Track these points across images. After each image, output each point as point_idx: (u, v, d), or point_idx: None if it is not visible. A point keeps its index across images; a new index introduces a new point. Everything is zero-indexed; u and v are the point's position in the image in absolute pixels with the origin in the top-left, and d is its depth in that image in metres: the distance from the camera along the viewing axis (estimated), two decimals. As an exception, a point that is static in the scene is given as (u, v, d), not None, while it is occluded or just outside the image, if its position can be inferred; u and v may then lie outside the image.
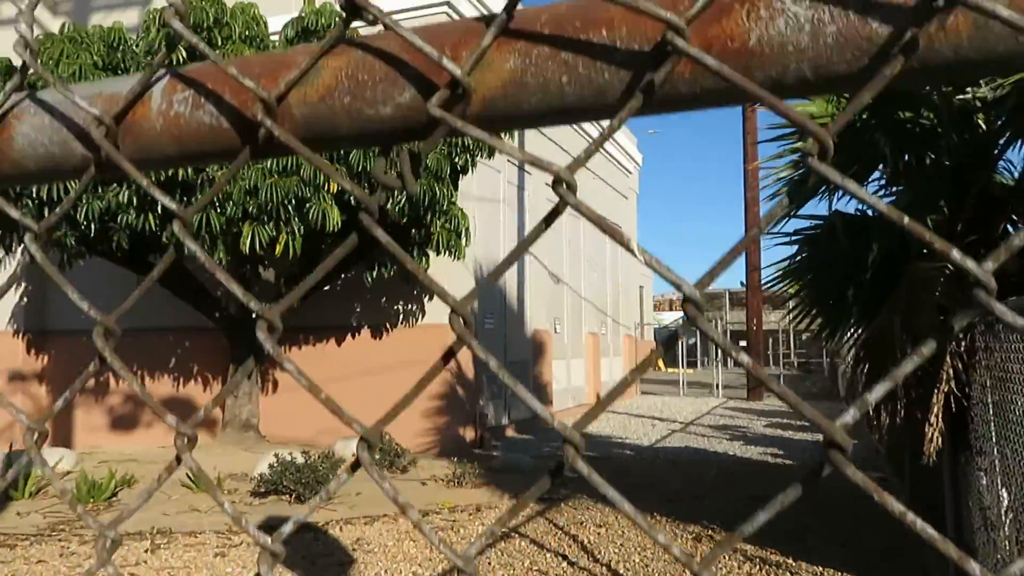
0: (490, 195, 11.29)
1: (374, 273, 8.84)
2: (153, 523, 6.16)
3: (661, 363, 33.27)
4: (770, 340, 27.04)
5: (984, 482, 4.05)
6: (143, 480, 7.84)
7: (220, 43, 7.23)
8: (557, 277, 14.22)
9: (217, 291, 10.09)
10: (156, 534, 5.88)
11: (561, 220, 14.48)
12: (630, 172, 19.76)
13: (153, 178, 6.46)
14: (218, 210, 6.77)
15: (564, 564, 5.20)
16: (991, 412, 3.79)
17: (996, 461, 3.83)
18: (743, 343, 25.07)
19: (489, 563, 5.21)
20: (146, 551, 5.49)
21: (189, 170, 6.50)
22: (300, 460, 7.33)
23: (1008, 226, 4.85)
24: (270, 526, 6.18)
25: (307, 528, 6.14)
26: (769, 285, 4.93)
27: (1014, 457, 3.61)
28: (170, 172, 6.45)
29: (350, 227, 7.88)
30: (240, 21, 7.37)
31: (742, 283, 24.63)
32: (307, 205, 6.89)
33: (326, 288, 9.84)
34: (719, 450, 10.44)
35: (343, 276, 9.75)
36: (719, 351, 24.68)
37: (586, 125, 15.49)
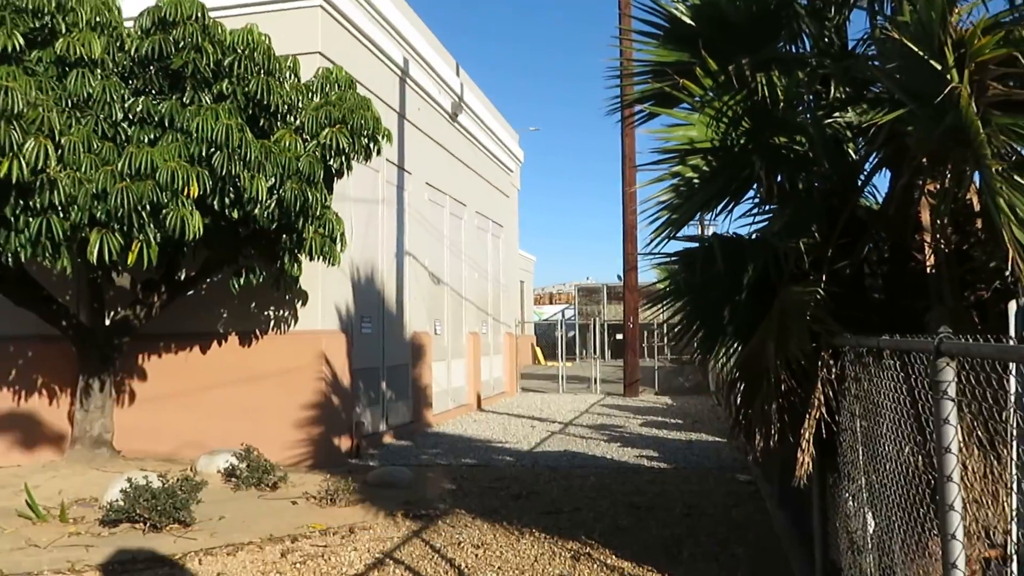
0: (368, 195, 10.91)
1: (241, 279, 8.32)
2: (-18, 564, 5.52)
3: (541, 357, 33.65)
4: (645, 333, 27.78)
5: (851, 505, 4.15)
6: (-26, 510, 7.05)
7: (64, 31, 6.56)
8: (437, 278, 13.98)
9: (65, 296, 9.26)
10: (-16, 578, 5.26)
11: (442, 219, 14.28)
12: (511, 170, 19.74)
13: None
14: (61, 215, 6.13)
15: (441, 594, 5.00)
16: (859, 440, 3.87)
17: (863, 487, 3.92)
18: (619, 336, 25.67)
19: (362, 597, 4.95)
20: (-29, 601, 4.89)
21: (25, 171, 5.84)
22: (156, 484, 6.79)
23: (872, 247, 5.00)
24: (120, 562, 5.68)
25: (161, 562, 5.67)
26: (648, 306, 4.89)
27: (880, 484, 3.69)
28: (2, 173, 5.77)
29: (213, 233, 7.36)
30: (88, 6, 6.70)
31: (619, 277, 25.18)
32: (164, 211, 6.35)
33: (190, 293, 9.20)
34: (597, 453, 10.52)
35: (208, 280, 9.14)
36: (596, 346, 25.13)
37: (468, 123, 15.31)
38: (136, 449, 9.38)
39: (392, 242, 11.93)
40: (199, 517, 6.65)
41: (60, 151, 6.02)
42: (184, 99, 6.87)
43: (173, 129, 6.67)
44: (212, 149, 6.55)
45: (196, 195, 6.46)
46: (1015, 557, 2.78)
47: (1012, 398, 2.28)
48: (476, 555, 5.85)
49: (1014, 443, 2.20)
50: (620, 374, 20.28)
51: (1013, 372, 2.22)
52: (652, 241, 4.60)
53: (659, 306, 4.94)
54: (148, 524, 6.41)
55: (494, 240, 18.18)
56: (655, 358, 23.21)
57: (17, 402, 9.75)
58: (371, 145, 7.77)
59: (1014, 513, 2.74)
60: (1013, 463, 2.40)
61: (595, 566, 5.56)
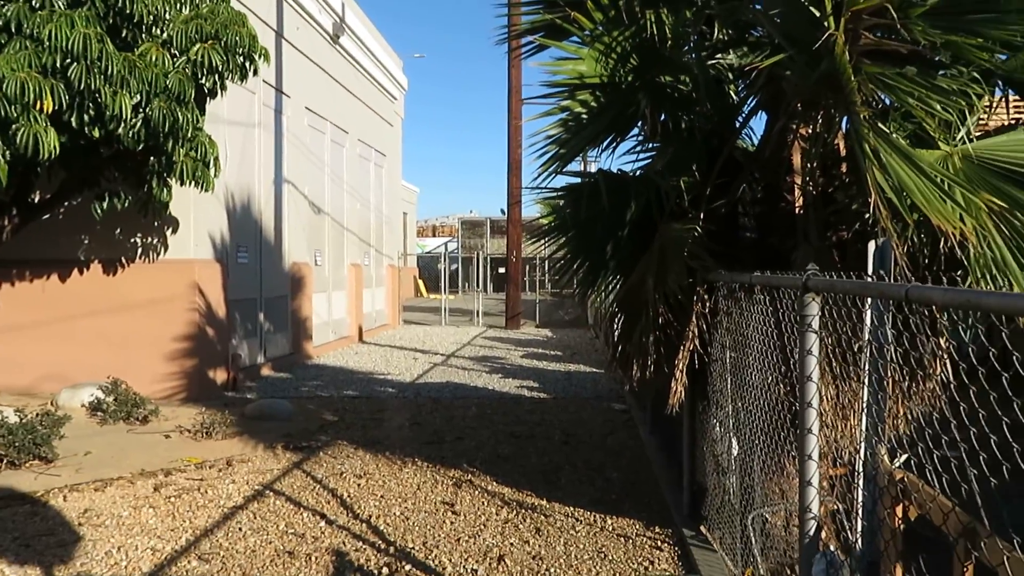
0: (243, 119, 10.36)
1: (104, 204, 7.79)
2: None
3: (424, 289, 33.57)
4: (527, 267, 28.16)
5: (718, 430, 4.41)
6: None
7: None
8: (318, 207, 13.57)
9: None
10: None
11: (323, 147, 13.80)
12: (395, 98, 19.21)
13: None
14: None
15: (322, 523, 5.01)
16: (728, 369, 4.09)
17: (729, 413, 4.17)
18: (502, 270, 25.92)
19: (240, 529, 4.88)
20: None
21: None
22: (13, 419, 6.40)
23: (746, 187, 5.20)
24: (-26, 500, 5.35)
25: (21, 499, 5.39)
26: (532, 241, 4.93)
27: (745, 411, 3.94)
28: None
29: (72, 153, 6.82)
30: None
31: (502, 211, 25.28)
32: (13, 127, 5.80)
33: (46, 217, 8.54)
34: (479, 384, 10.69)
35: (66, 204, 8.51)
36: (479, 279, 25.29)
37: (350, 46, 14.73)
38: (-12, 383, 8.77)
39: (270, 168, 11.45)
40: (63, 453, 6.35)
41: None
42: (33, 3, 6.23)
43: (21, 36, 6.05)
44: (68, 60, 6.00)
45: (51, 110, 5.93)
46: (862, 473, 3.02)
47: (868, 329, 2.45)
48: (359, 485, 5.87)
49: (867, 369, 2.38)
50: (502, 307, 20.54)
51: (870, 305, 2.38)
52: (540, 175, 4.62)
53: (543, 241, 4.99)
54: (5, 461, 6.06)
55: (377, 170, 17.78)
56: (536, 292, 23.60)
57: None
58: (247, 64, 7.34)
59: (863, 435, 2.97)
60: (866, 388, 2.60)
61: (476, 492, 5.70)
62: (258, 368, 10.99)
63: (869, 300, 2.49)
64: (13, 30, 6.10)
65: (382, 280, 18.36)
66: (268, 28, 10.99)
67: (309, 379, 10.97)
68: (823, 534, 2.53)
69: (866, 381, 2.41)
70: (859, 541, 2.36)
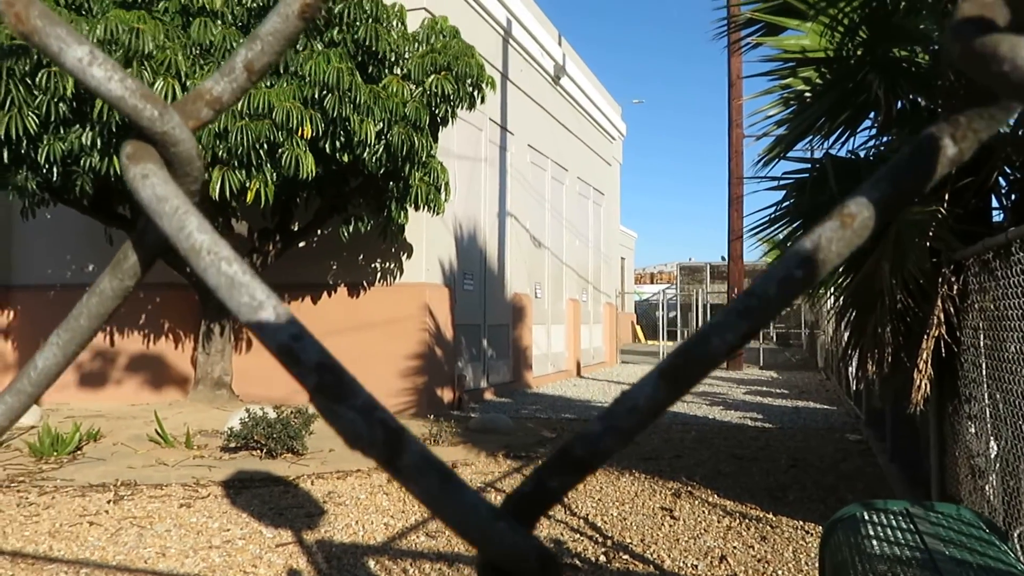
0: (471, 153, 11.04)
1: (350, 227, 8.60)
2: (117, 476, 5.97)
3: (641, 335, 33.29)
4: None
5: (972, 430, 3.94)
6: (109, 435, 7.62)
7: None
8: (538, 241, 14.03)
9: (188, 246, 9.80)
10: (120, 486, 5.69)
11: (543, 183, 14.28)
12: (613, 139, 19.53)
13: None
14: (186, 154, 6.47)
15: (541, 517, 5.06)
16: (983, 356, 3.67)
17: (986, 407, 3.72)
18: (723, 316, 25.05)
19: (463, 515, 5.07)
20: (109, 502, 5.29)
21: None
22: (272, 415, 7.14)
23: (999, 176, 4.70)
24: (239, 479, 6.03)
25: (276, 482, 5.97)
26: (754, 232, 4.76)
27: (1005, 401, 3.50)
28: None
29: (325, 177, 7.63)
30: (210, -42, 7.04)
31: (723, 257, 24.59)
32: (279, 150, 6.62)
33: (301, 245, 9.59)
34: (699, 414, 10.36)
35: (319, 233, 9.49)
36: (699, 323, 24.66)
37: (570, 88, 15.22)
38: (252, 393, 9.87)
39: (494, 202, 12.05)
40: (310, 448, 6.97)
41: (186, 93, 6.36)
42: (297, 46, 7.13)
43: (287, 74, 6.94)
44: (324, 91, 6.78)
45: (309, 135, 6.71)
46: None
47: None
48: (576, 488, 5.87)
49: None
50: (723, 348, 19.81)
51: None
52: (760, 160, 4.48)
53: (769, 230, 4.79)
54: (264, 451, 6.77)
55: (595, 208, 18.07)
56: (760, 339, 22.57)
57: (146, 345, 10.43)
58: (475, 93, 7.86)
59: None
60: None
61: (696, 502, 5.50)
62: (481, 392, 11.44)
63: None
64: (281, 71, 7.02)
65: (600, 317, 18.48)
66: (494, 69, 11.69)
67: (528, 404, 11.22)
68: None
69: None
70: None
